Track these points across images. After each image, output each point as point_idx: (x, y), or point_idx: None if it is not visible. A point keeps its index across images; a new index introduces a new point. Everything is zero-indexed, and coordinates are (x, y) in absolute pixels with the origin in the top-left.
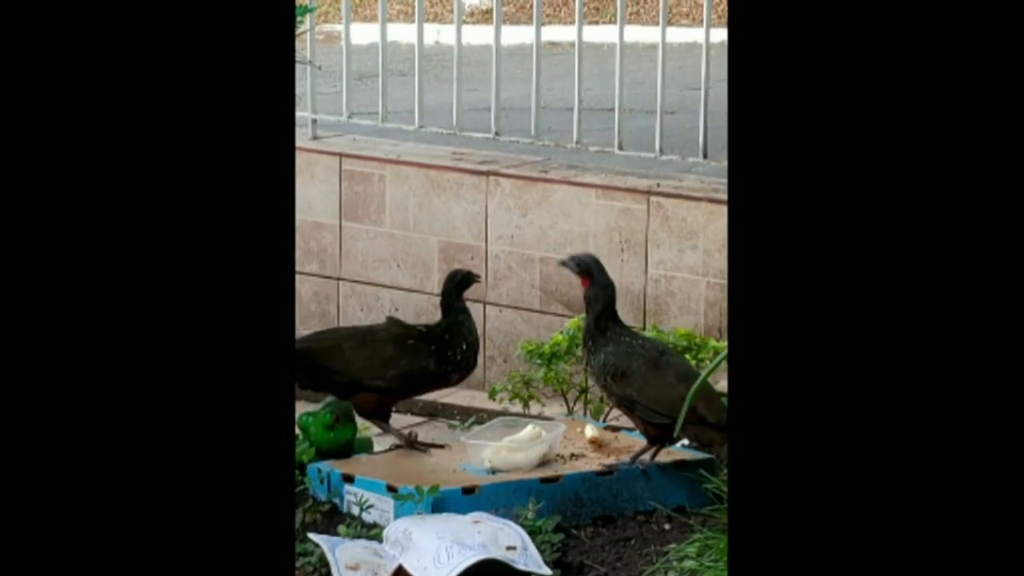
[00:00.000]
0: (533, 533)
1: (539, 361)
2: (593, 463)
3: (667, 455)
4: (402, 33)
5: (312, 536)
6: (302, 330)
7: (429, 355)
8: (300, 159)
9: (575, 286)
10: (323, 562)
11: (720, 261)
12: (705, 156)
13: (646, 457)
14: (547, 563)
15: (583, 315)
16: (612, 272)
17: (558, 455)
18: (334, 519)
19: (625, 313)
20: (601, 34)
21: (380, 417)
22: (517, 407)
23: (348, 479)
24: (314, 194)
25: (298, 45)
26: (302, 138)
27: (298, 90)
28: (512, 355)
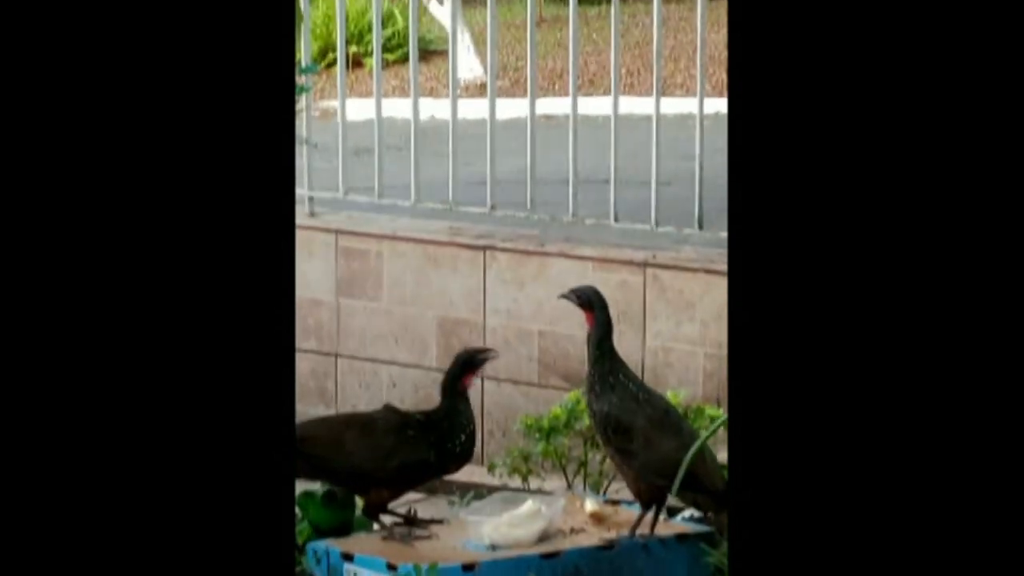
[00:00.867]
0: None
1: (538, 435)
2: (594, 538)
3: (667, 528)
4: (398, 108)
5: None
6: (300, 407)
7: (429, 446)
8: (297, 236)
9: (573, 359)
10: None
11: (717, 332)
12: (701, 227)
13: (645, 529)
14: None
15: (582, 388)
16: None
17: (558, 530)
18: None
19: None
20: (596, 106)
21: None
22: (516, 482)
23: (347, 557)
24: (311, 271)
25: None
26: (299, 215)
27: None
28: (511, 429)
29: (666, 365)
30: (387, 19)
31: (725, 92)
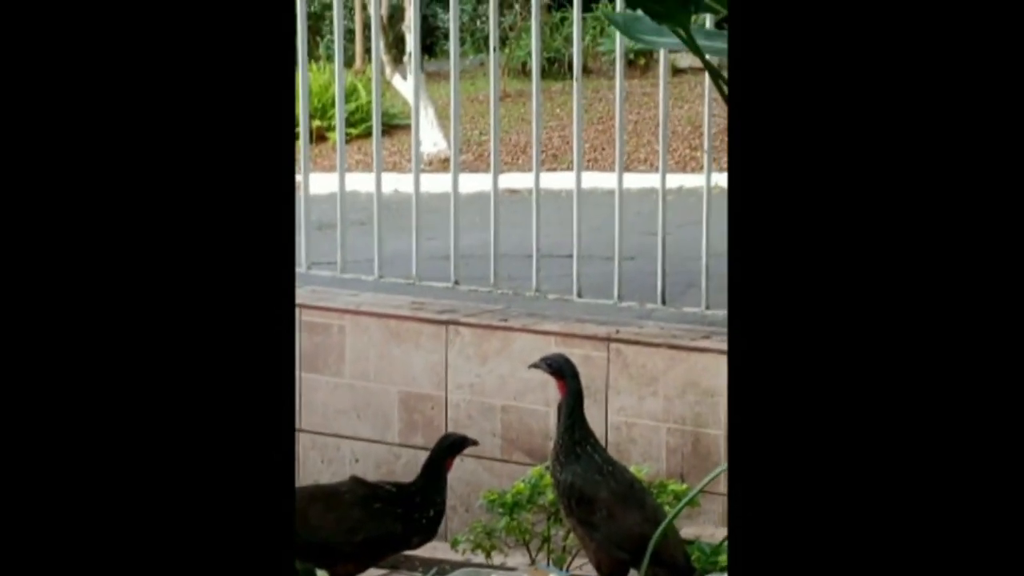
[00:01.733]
0: None
1: (501, 510)
2: None
3: None
4: (361, 182)
5: None
6: None
7: (396, 518)
8: None
9: (536, 433)
10: None
11: (680, 407)
12: (664, 302)
13: None
14: None
15: (545, 463)
16: None
17: None
18: None
19: None
20: (559, 180)
21: None
22: (480, 558)
23: None
24: None
25: None
26: None
27: None
28: (474, 505)
29: (629, 440)
30: (350, 93)
31: (687, 167)
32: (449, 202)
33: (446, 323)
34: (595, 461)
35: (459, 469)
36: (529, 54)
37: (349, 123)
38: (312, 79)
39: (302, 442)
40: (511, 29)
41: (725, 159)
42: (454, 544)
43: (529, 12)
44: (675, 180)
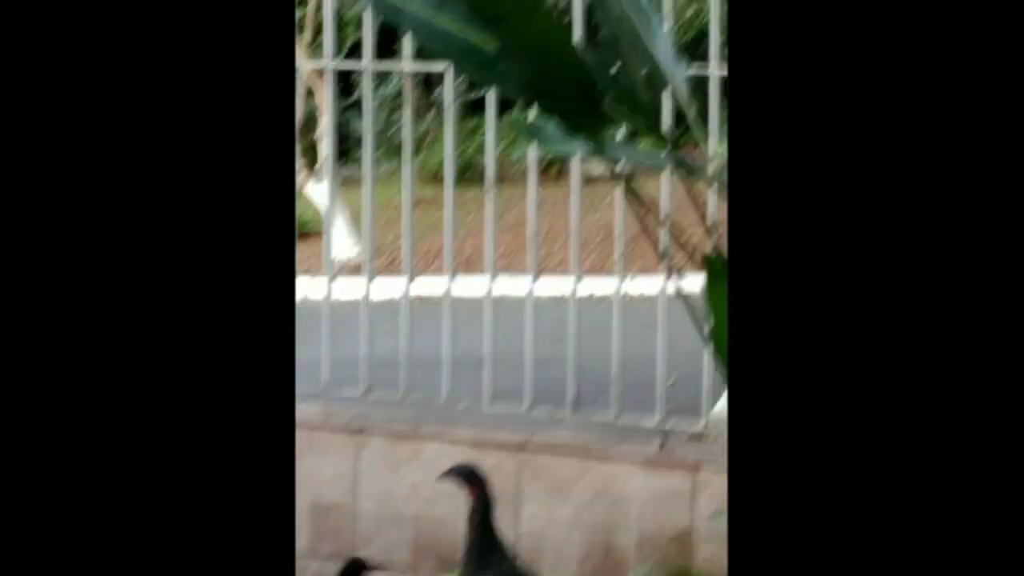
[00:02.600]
0: None
1: None
2: None
3: None
4: None
5: None
6: None
7: None
8: None
9: (447, 542)
10: None
11: (591, 515)
12: (575, 409)
13: None
14: None
15: (456, 571)
16: None
17: None
18: None
19: None
20: (471, 287)
21: None
22: None
23: None
24: None
25: None
26: None
27: None
28: None
29: (540, 549)
30: None
31: (599, 273)
32: (359, 309)
33: (356, 431)
34: (505, 569)
35: None
36: (442, 161)
37: None
38: None
39: None
40: (426, 136)
41: (637, 265)
42: None
43: (443, 120)
44: (587, 286)
